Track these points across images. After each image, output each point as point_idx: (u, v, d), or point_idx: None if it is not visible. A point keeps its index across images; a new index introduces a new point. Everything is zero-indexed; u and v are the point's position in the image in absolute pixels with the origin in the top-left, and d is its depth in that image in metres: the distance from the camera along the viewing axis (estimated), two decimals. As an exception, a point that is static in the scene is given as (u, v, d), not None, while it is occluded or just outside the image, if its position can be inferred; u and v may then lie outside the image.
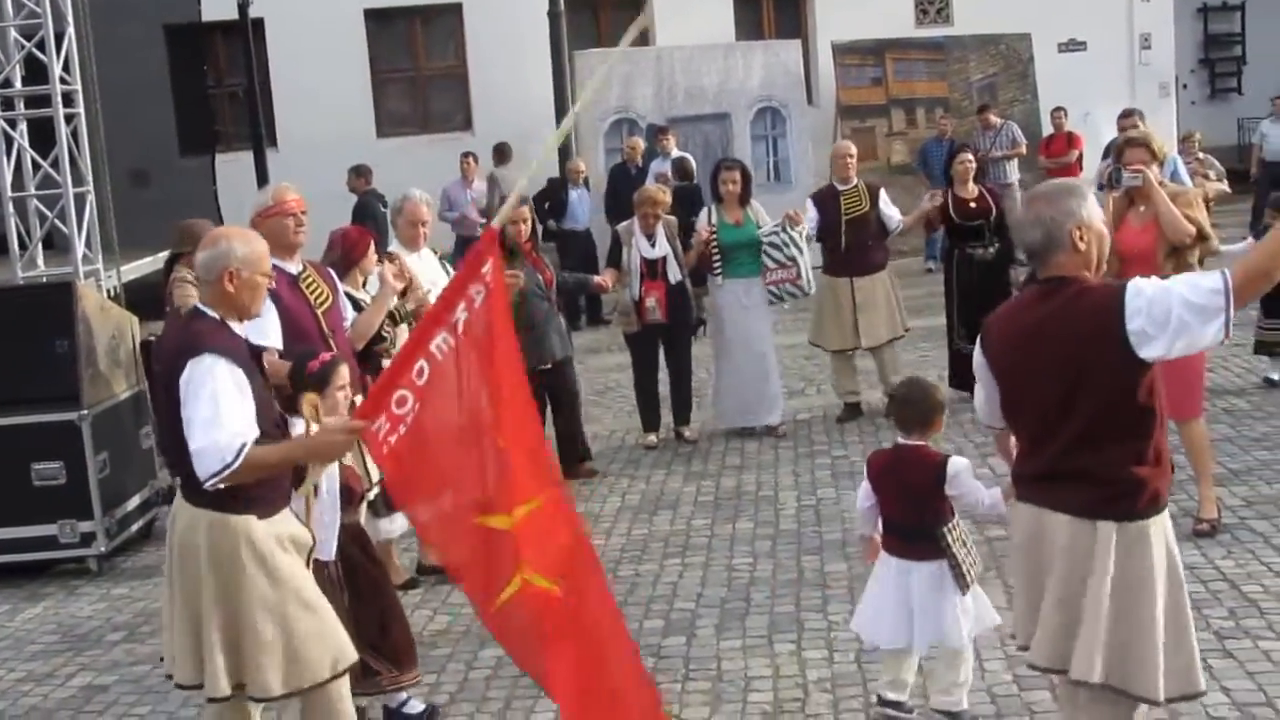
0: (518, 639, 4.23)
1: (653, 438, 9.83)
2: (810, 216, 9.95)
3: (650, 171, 15.27)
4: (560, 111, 16.75)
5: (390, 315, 6.72)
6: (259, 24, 17.49)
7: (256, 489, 4.41)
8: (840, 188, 10.07)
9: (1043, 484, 4.03)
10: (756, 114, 18.42)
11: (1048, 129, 18.28)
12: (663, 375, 9.97)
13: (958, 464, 5.10)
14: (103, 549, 7.91)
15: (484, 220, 15.90)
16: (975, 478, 5.16)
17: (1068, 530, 3.94)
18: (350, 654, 4.62)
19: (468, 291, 4.13)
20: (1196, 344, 3.80)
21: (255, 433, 4.25)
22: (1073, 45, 20.92)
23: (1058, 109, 17.96)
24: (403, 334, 7.16)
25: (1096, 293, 3.94)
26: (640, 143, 16.19)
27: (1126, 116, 11.22)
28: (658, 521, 8.11)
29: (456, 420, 4.18)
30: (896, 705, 5.25)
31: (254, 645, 4.42)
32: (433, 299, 7.50)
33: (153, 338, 9.03)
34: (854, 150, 10.41)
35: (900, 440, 5.25)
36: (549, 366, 8.69)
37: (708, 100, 18.17)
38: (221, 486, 4.27)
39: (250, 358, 4.53)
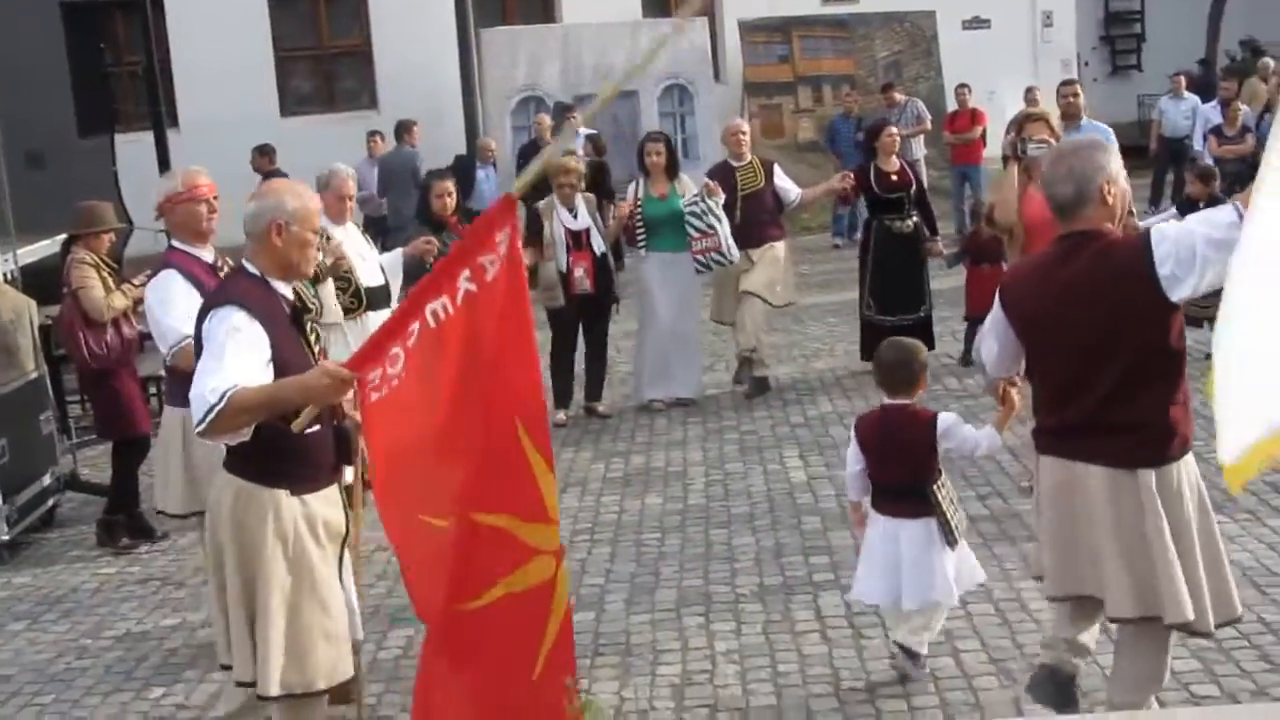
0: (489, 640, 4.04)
1: (562, 415, 9.79)
2: None
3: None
4: (467, 89, 16.64)
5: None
6: (159, 1, 17.19)
7: (290, 461, 4.19)
8: (735, 164, 10.09)
9: (1074, 437, 4.08)
10: (664, 91, 18.46)
11: (952, 105, 18.46)
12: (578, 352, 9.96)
13: (947, 418, 5.20)
14: (4, 536, 7.76)
15: (382, 200, 15.75)
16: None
17: (1107, 482, 4.00)
18: (347, 669, 4.33)
19: (477, 259, 3.95)
20: (1223, 277, 3.89)
21: (252, 382, 3.97)
22: (976, 23, 21.15)
23: (961, 86, 18.13)
24: (327, 291, 7.18)
25: (1123, 244, 4.05)
26: (548, 119, 16.14)
27: (1067, 85, 11.32)
28: (567, 499, 8.09)
29: (443, 394, 3.99)
30: (910, 654, 5.26)
31: (262, 633, 4.14)
32: (359, 270, 7.59)
33: (50, 321, 8.88)
34: (746, 127, 10.47)
35: (886, 402, 5.31)
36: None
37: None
38: (229, 442, 4.11)
39: (287, 318, 4.29)
